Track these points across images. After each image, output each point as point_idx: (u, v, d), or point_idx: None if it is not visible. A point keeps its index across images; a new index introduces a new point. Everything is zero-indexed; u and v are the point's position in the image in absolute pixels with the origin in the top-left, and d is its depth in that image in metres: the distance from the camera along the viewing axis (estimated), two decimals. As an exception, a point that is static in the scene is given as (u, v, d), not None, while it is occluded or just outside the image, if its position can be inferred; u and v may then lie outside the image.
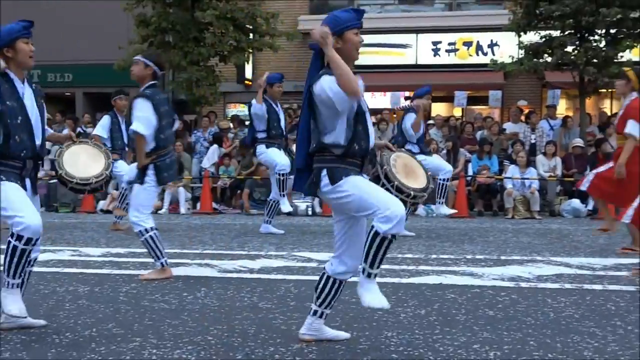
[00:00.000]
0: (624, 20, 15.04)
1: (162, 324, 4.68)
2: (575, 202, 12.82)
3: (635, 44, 15.57)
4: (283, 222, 11.24)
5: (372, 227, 3.78)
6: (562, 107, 19.04)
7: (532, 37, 16.22)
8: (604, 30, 15.52)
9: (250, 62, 20.64)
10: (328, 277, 4.11)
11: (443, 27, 20.24)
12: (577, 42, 15.58)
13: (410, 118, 9.30)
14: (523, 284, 5.98)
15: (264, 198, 13.36)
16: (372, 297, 3.96)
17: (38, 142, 4.51)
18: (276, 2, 18.36)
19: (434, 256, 7.55)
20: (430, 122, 15.54)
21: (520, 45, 16.37)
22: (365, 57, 20.56)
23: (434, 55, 20.21)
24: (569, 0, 14.74)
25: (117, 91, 10.46)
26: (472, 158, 14.15)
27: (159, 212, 13.50)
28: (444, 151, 14.18)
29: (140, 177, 6.22)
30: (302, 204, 13.26)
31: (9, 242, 4.27)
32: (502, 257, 7.47)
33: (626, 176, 7.20)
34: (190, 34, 16.96)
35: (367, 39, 18.81)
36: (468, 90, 17.93)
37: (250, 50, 18.21)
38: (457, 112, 20.07)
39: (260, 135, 9.46)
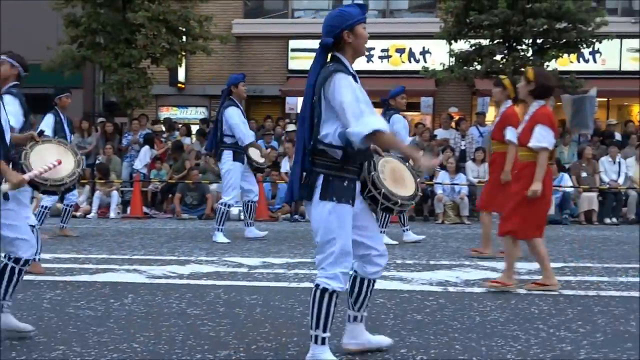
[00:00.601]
0: (550, 31, 15.53)
1: (86, 331, 4.58)
2: (503, 208, 13.08)
3: (560, 54, 16.07)
4: (209, 227, 11.11)
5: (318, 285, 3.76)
6: (491, 114, 19.46)
7: (462, 45, 16.56)
8: (531, 40, 15.98)
9: (184, 65, 20.44)
10: (362, 280, 4.03)
11: (376, 33, 20.26)
12: (506, 51, 15.98)
13: (399, 120, 9.04)
14: (451, 289, 6.08)
15: (196, 202, 13.25)
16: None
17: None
18: (210, 5, 18.22)
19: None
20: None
21: (451, 53, 16.67)
22: (300, 62, 20.61)
23: (367, 62, 20.39)
24: (498, 10, 15.13)
25: (61, 89, 10.08)
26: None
27: (88, 216, 13.23)
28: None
29: None
30: (236, 209, 13.16)
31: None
32: (431, 262, 7.57)
33: (503, 184, 7.25)
34: (121, 36, 16.70)
35: (302, 44, 18.96)
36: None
37: (183, 53, 18.03)
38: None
39: (228, 141, 9.18)
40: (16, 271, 4.31)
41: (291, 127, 15.27)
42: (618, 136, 15.41)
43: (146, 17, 16.18)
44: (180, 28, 17.29)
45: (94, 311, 5.18)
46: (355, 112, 3.66)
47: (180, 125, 16.55)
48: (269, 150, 12.00)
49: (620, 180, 13.44)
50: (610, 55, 19.28)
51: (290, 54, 20.92)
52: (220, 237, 9.18)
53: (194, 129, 16.83)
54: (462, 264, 7.45)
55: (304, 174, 3.79)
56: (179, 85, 21.17)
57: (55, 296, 5.69)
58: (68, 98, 9.72)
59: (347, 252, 3.77)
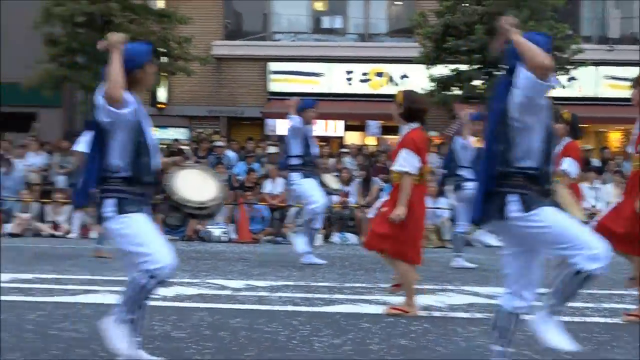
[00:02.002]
0: (528, 57, 15.72)
1: (70, 353, 4.54)
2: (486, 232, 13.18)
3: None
4: (197, 248, 11.09)
5: (574, 264, 3.68)
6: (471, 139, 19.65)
7: (441, 70, 16.73)
8: (509, 66, 16.18)
9: (164, 85, 20.44)
10: (510, 314, 3.95)
11: (356, 57, 20.62)
12: (485, 77, 16.18)
13: (460, 140, 9.19)
14: (435, 313, 6.10)
15: (178, 223, 13.19)
16: (560, 337, 3.87)
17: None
18: (190, 27, 18.26)
19: (348, 285, 7.61)
20: (344, 150, 15.72)
21: (431, 78, 16.84)
22: (279, 85, 20.71)
23: (348, 84, 20.53)
24: (476, 36, 15.32)
25: None
26: (385, 187, 14.38)
27: (68, 235, 13.11)
28: (358, 180, 14.35)
29: None
30: (217, 230, 13.14)
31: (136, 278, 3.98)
32: (415, 286, 7.58)
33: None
34: (101, 55, 16.60)
35: (281, 66, 19.09)
36: (381, 119, 18.26)
37: (164, 74, 18.03)
38: (371, 141, 20.39)
39: (294, 162, 9.24)
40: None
41: (272, 149, 15.31)
42: (596, 162, 15.62)
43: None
44: (160, 49, 17.30)
45: (79, 333, 5.13)
46: None
47: (162, 146, 16.50)
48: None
49: (600, 206, 13.59)
50: (586, 82, 19.58)
51: (271, 76, 20.99)
52: (300, 245, 9.28)
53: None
54: (445, 288, 7.48)
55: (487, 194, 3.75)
56: (160, 105, 21.14)
57: (37, 317, 5.63)
58: None
59: (590, 234, 3.84)
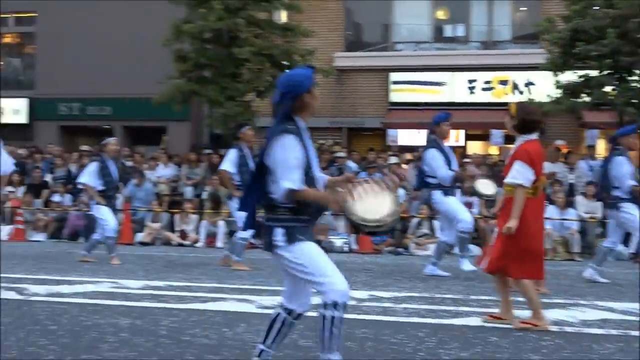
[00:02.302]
0: (664, 62, 14.95)
1: (203, 359, 4.67)
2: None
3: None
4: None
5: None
6: (601, 147, 18.86)
7: (569, 76, 16.15)
8: (643, 71, 15.43)
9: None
10: None
11: (479, 65, 20.26)
12: (617, 82, 15.46)
13: (622, 163, 8.64)
14: (567, 329, 5.86)
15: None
16: None
17: None
18: (312, 39, 18.52)
19: (473, 297, 7.46)
20: (467, 160, 15.44)
21: (558, 85, 16.30)
22: (401, 95, 20.65)
23: (470, 93, 20.20)
24: (607, 40, 14.68)
25: (241, 123, 10.20)
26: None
27: (196, 244, 13.56)
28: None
29: None
30: (338, 240, 13.23)
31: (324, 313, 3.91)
32: (545, 300, 7.33)
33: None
34: (227, 70, 17.17)
35: (403, 76, 19.00)
36: (503, 128, 17.79)
37: (287, 86, 18.35)
38: (494, 150, 19.97)
39: (432, 181, 9.03)
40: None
41: (393, 160, 15.27)
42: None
43: (251, 52, 16.59)
44: (284, 62, 17.65)
45: (209, 339, 5.28)
46: None
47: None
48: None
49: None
50: None
51: (392, 86, 20.97)
52: (466, 265, 9.07)
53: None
54: (577, 302, 7.19)
55: None
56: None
57: (171, 323, 5.83)
58: (250, 131, 9.76)
59: None
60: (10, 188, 15.27)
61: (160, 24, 17.72)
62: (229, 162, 9.59)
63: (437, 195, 9.01)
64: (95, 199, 10.22)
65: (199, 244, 13.67)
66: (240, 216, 8.47)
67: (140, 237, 14.28)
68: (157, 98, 17.48)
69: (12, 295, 7.14)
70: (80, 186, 11.30)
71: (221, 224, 13.84)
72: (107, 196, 10.30)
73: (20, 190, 15.91)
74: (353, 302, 6.95)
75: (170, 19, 17.32)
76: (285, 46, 17.54)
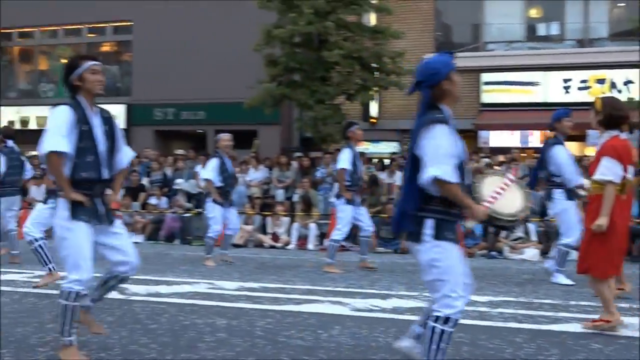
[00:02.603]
0: None
1: (300, 361, 4.70)
2: None
3: None
4: (411, 261, 11.07)
5: None
6: None
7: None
8: None
9: (376, 100, 20.81)
10: None
11: (574, 64, 19.69)
12: None
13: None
14: (674, 336, 5.61)
15: (391, 236, 13.30)
16: None
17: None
18: (401, 41, 18.41)
19: (573, 302, 7.23)
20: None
21: (659, 82, 15.68)
22: (492, 95, 20.29)
23: (565, 93, 19.65)
24: None
25: (350, 122, 10.24)
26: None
27: (287, 247, 13.69)
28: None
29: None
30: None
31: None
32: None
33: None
34: (317, 73, 17.27)
35: (494, 77, 18.69)
36: (601, 129, 17.24)
37: (376, 89, 18.33)
38: (590, 151, 19.35)
39: (557, 180, 8.53)
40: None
41: (485, 161, 14.99)
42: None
43: (341, 55, 16.63)
44: (373, 64, 17.63)
45: (304, 341, 5.31)
46: None
47: (375, 160, 16.81)
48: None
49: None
50: None
51: (483, 87, 20.63)
52: (562, 279, 8.60)
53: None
54: (683, 309, 6.87)
55: None
56: (372, 120, 21.54)
57: (266, 324, 5.90)
58: (359, 130, 9.80)
59: None
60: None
61: (251, 30, 18.00)
62: (345, 161, 9.60)
63: (559, 194, 8.55)
64: (213, 196, 10.40)
65: (290, 246, 13.79)
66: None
67: (233, 239, 14.50)
68: (248, 102, 17.74)
69: (114, 294, 7.37)
70: (202, 183, 11.62)
71: (312, 226, 13.92)
72: (224, 192, 10.46)
73: (120, 193, 16.44)
74: (447, 306, 6.86)
75: (261, 25, 17.57)
76: (374, 48, 17.50)
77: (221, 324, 5.88)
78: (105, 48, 25.28)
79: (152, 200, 15.82)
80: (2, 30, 25.52)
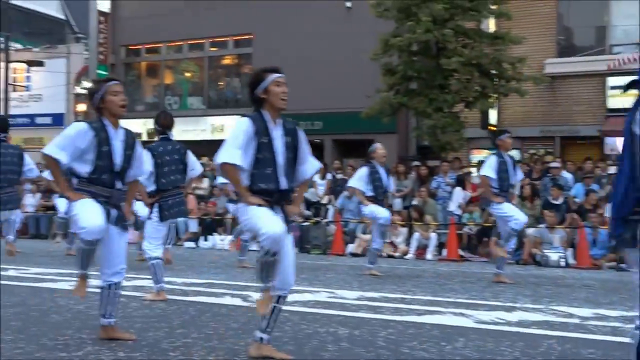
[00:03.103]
0: None
1: (424, 373, 4.64)
2: None
3: None
4: (534, 273, 10.77)
5: None
6: None
7: None
8: None
9: (495, 107, 20.41)
10: None
11: None
12: None
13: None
14: None
15: (513, 247, 12.96)
16: None
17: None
18: (522, 46, 17.97)
19: None
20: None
21: None
22: (619, 100, 19.45)
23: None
24: None
25: (501, 130, 10.38)
26: None
27: (405, 257, 13.61)
28: None
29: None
30: (554, 254, 12.68)
31: None
32: None
33: None
34: (435, 81, 17.13)
35: (622, 81, 17.85)
36: None
37: (496, 96, 17.97)
38: None
39: None
40: None
41: (613, 169, 14.39)
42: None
43: (459, 63, 16.43)
44: (492, 71, 17.30)
45: (428, 352, 5.23)
46: None
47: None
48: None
49: None
50: None
51: (609, 91, 19.82)
52: None
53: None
54: None
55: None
56: (491, 127, 21.11)
57: (388, 335, 5.87)
58: (509, 138, 9.79)
59: None
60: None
61: (369, 39, 18.09)
62: (489, 168, 9.49)
63: None
64: (364, 203, 10.48)
65: (408, 256, 13.70)
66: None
67: (351, 248, 14.58)
68: (366, 111, 17.80)
69: (238, 302, 7.56)
70: (348, 189, 11.79)
71: (433, 236, 13.79)
72: (377, 201, 10.50)
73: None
74: (576, 321, 6.62)
75: (379, 34, 17.60)
76: (494, 55, 17.18)
77: (343, 333, 5.88)
78: (227, 61, 26.06)
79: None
80: (130, 47, 26.82)
